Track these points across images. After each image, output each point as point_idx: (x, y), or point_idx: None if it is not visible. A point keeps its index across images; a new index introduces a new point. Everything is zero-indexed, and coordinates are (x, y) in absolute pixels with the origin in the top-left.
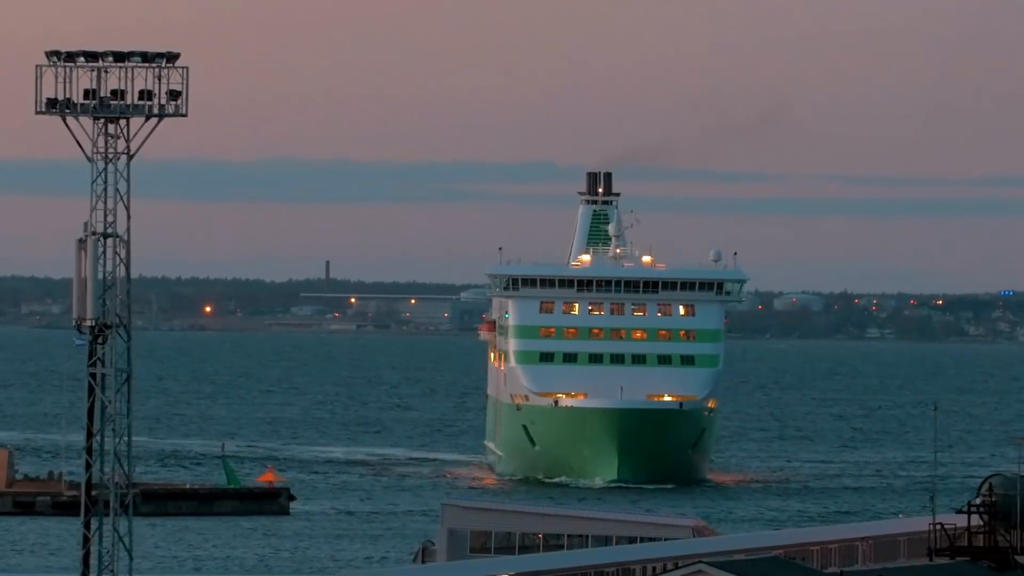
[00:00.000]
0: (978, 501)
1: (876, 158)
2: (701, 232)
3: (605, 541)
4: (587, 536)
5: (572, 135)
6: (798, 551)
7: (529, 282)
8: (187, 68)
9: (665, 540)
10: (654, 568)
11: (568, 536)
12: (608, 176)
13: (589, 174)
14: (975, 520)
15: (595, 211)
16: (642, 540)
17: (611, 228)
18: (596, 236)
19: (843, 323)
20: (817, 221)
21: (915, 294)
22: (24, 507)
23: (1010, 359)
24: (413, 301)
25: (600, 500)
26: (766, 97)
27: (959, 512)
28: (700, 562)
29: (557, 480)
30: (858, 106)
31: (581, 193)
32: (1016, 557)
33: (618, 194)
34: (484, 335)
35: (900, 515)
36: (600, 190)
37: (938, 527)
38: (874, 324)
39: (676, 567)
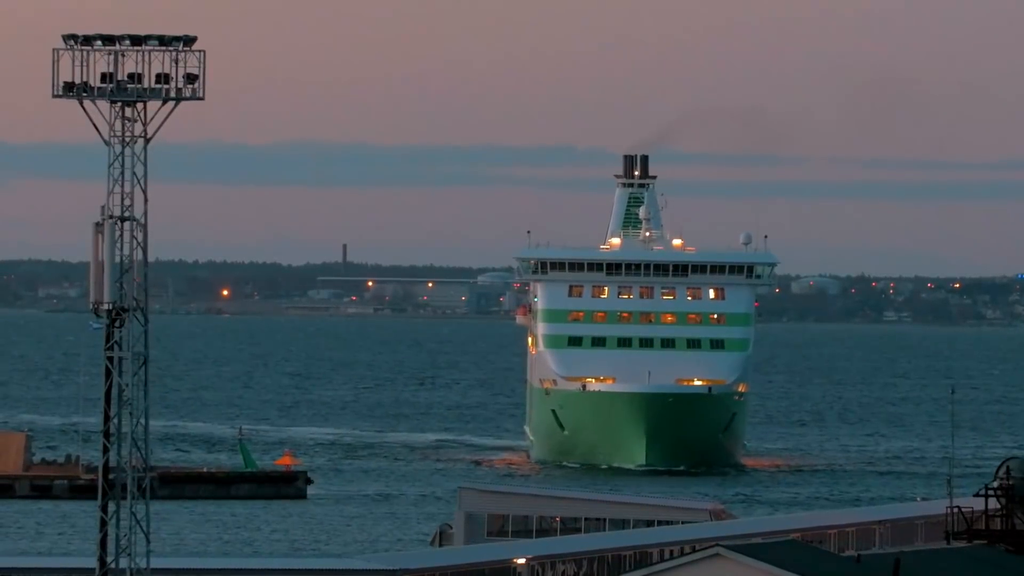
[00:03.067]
0: (995, 484)
1: (893, 142)
2: (717, 215)
3: (622, 525)
4: (604, 520)
5: (593, 118)
6: (816, 535)
7: (558, 266)
8: (204, 51)
9: (682, 524)
10: (671, 551)
11: (585, 519)
12: (645, 159)
13: (626, 157)
14: (992, 503)
15: (630, 194)
16: (659, 524)
17: (641, 211)
18: (630, 219)
19: (860, 306)
20: (834, 204)
21: (932, 277)
22: (41, 491)
23: None
24: (430, 285)
25: (626, 484)
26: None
27: (976, 495)
28: (717, 545)
29: (589, 464)
30: (871, 93)
31: (617, 176)
32: None
33: (654, 177)
34: (521, 320)
35: (918, 498)
36: (636, 173)
37: (955, 510)
38: (891, 307)
39: (693, 550)
